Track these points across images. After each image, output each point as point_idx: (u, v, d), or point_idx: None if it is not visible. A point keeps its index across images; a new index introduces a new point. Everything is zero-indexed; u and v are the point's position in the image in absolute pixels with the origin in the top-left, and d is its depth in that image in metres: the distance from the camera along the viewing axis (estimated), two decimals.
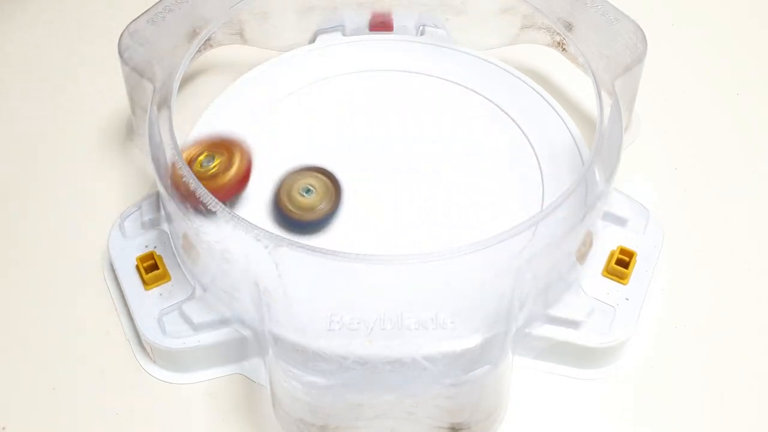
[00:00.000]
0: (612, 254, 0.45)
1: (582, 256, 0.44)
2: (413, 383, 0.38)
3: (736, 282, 0.47)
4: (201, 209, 0.40)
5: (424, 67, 0.53)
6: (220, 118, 0.50)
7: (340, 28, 0.55)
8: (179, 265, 0.45)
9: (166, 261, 0.45)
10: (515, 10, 0.52)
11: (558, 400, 0.43)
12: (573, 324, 0.43)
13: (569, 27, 0.49)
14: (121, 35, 0.48)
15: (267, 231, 0.40)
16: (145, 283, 0.44)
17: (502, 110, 0.51)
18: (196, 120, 0.50)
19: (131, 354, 0.45)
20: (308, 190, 0.46)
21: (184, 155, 0.45)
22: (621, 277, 0.45)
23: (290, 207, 0.46)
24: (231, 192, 0.45)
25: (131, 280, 0.45)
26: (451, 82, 0.52)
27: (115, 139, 0.53)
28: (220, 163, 0.45)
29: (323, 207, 0.46)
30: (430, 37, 0.55)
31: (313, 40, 0.55)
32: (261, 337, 0.41)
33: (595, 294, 0.44)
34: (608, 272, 0.45)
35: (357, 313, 0.39)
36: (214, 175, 0.45)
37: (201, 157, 0.45)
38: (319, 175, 0.47)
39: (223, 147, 0.46)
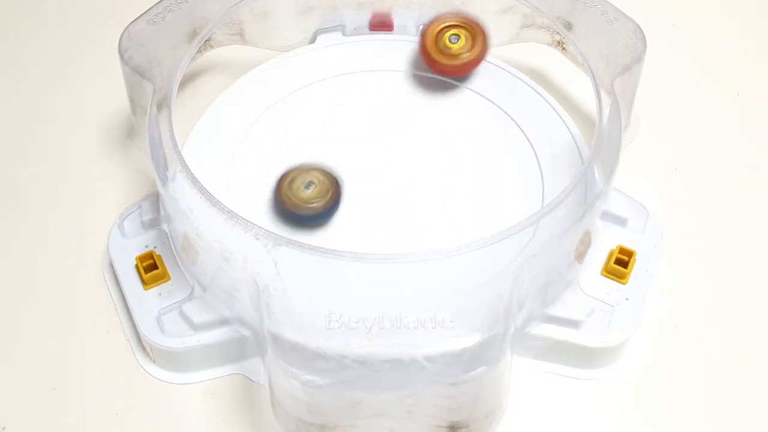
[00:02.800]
0: (611, 254, 0.45)
1: (581, 256, 0.44)
2: (412, 382, 0.38)
3: (736, 282, 0.47)
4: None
5: (424, 67, 0.53)
6: (220, 118, 0.50)
7: (340, 28, 0.55)
8: (179, 265, 0.45)
9: (165, 261, 0.45)
10: (515, 10, 0.52)
11: (557, 400, 0.43)
12: (572, 324, 0.43)
13: (569, 26, 0.49)
14: (121, 36, 0.48)
15: (266, 230, 0.40)
16: (144, 282, 0.44)
17: (502, 110, 0.51)
18: (196, 120, 0.50)
19: (131, 354, 0.45)
20: (309, 185, 0.46)
21: (433, 25, 0.51)
22: (620, 277, 0.45)
23: (292, 200, 0.45)
24: (466, 70, 0.51)
25: (131, 279, 0.45)
26: (451, 82, 0.52)
27: (115, 139, 0.53)
28: (464, 43, 0.50)
29: (321, 203, 0.46)
30: None
31: (313, 40, 0.55)
32: (260, 337, 0.41)
33: (594, 293, 0.44)
34: (607, 272, 0.45)
35: (356, 312, 0.39)
36: (456, 54, 0.50)
37: (448, 34, 0.50)
38: (320, 173, 0.46)
39: (468, 27, 0.50)
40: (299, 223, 0.46)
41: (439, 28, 0.50)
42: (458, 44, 0.50)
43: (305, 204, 0.45)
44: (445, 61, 0.50)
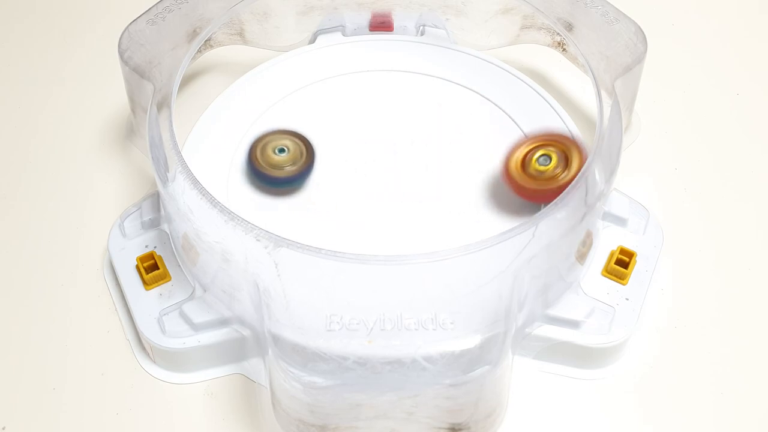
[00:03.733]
0: (612, 254, 0.45)
1: (582, 256, 0.44)
2: (413, 383, 0.38)
3: (736, 282, 0.47)
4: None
5: (424, 67, 0.53)
6: (220, 118, 0.50)
7: (340, 28, 0.55)
8: (179, 265, 0.45)
9: (166, 261, 0.45)
10: (515, 11, 0.52)
11: (558, 400, 0.43)
12: (573, 324, 0.43)
13: (569, 27, 0.49)
14: (121, 36, 0.48)
15: (267, 231, 0.40)
16: (145, 283, 0.44)
17: (502, 110, 0.51)
18: (196, 120, 0.50)
19: (131, 354, 0.45)
20: (282, 150, 0.47)
21: (517, 153, 0.45)
22: (620, 277, 0.45)
23: (263, 164, 0.47)
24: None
25: (131, 280, 0.45)
26: (451, 82, 0.52)
27: (115, 139, 0.53)
28: (554, 166, 0.45)
29: (293, 167, 0.47)
30: (430, 37, 0.55)
31: (313, 40, 0.55)
32: (261, 337, 0.41)
33: (594, 294, 0.44)
34: (608, 272, 0.45)
35: (356, 314, 0.39)
36: (552, 176, 0.44)
37: (537, 154, 0.45)
38: (294, 138, 0.48)
39: (557, 144, 0.45)
40: (273, 186, 0.47)
41: (524, 153, 0.45)
42: (551, 165, 0.45)
43: (278, 168, 0.47)
44: (539, 187, 0.44)
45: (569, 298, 0.43)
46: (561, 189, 0.42)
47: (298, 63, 0.53)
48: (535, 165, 0.45)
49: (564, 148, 0.45)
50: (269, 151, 0.47)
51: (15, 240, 0.49)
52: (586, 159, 0.44)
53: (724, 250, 0.49)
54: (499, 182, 0.48)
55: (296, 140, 0.48)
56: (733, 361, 0.45)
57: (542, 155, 0.45)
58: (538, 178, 0.45)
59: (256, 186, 0.48)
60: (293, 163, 0.47)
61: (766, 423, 0.43)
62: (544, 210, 0.41)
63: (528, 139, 0.46)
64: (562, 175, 0.44)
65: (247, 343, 0.43)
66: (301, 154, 0.47)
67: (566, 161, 0.45)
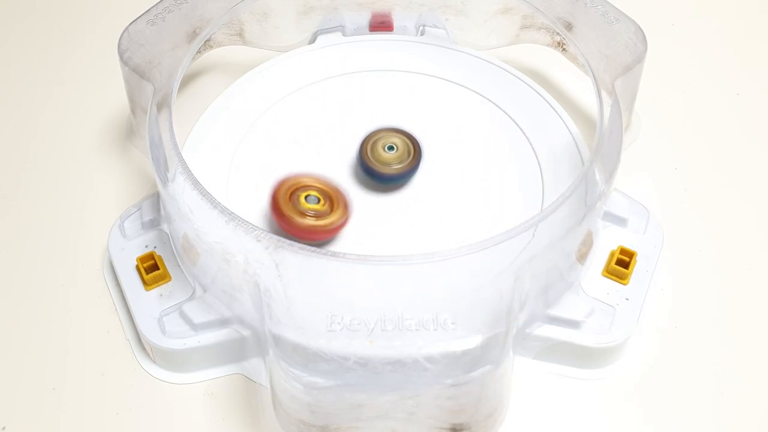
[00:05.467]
0: (612, 254, 0.45)
1: (582, 256, 0.44)
2: (414, 384, 0.38)
3: (736, 282, 0.47)
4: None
5: (424, 67, 0.53)
6: (220, 118, 0.50)
7: (340, 28, 0.55)
8: (179, 266, 0.45)
9: (166, 261, 0.45)
10: (515, 10, 0.52)
11: (558, 400, 0.43)
12: (573, 324, 0.43)
13: (569, 27, 0.49)
14: (121, 36, 0.48)
15: (267, 232, 0.40)
16: (145, 283, 0.44)
17: (502, 110, 0.51)
18: (196, 120, 0.50)
19: (131, 354, 0.45)
20: (391, 147, 0.47)
21: (293, 180, 0.45)
22: (621, 277, 0.45)
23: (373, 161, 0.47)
24: (315, 237, 0.45)
25: (131, 280, 0.45)
26: (451, 82, 0.52)
27: (115, 139, 0.53)
28: (321, 207, 0.45)
29: (401, 165, 0.47)
30: (430, 37, 0.55)
31: (313, 40, 0.55)
32: (261, 338, 0.41)
33: (595, 294, 0.44)
34: (608, 272, 0.45)
35: (357, 314, 0.39)
36: (307, 214, 0.44)
37: (308, 193, 0.45)
38: (402, 136, 0.48)
39: (332, 195, 0.46)
40: (380, 182, 0.48)
41: (291, 189, 0.45)
42: (318, 206, 0.45)
43: (386, 165, 0.47)
44: (297, 220, 0.44)
45: (570, 298, 0.43)
46: (310, 231, 0.44)
47: (298, 63, 0.53)
48: (302, 199, 0.45)
49: (332, 198, 0.45)
50: (379, 148, 0.47)
51: (15, 240, 0.49)
52: (347, 220, 0.45)
53: (724, 250, 0.49)
54: (499, 182, 0.48)
55: (405, 138, 0.48)
56: (733, 361, 0.45)
57: (313, 196, 0.45)
58: (299, 210, 0.44)
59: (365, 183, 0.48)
60: (400, 162, 0.47)
61: (766, 423, 0.43)
62: (544, 210, 0.41)
63: (312, 177, 0.46)
64: (316, 221, 0.44)
65: (248, 343, 0.43)
66: (409, 152, 0.48)
67: (330, 211, 0.45)
